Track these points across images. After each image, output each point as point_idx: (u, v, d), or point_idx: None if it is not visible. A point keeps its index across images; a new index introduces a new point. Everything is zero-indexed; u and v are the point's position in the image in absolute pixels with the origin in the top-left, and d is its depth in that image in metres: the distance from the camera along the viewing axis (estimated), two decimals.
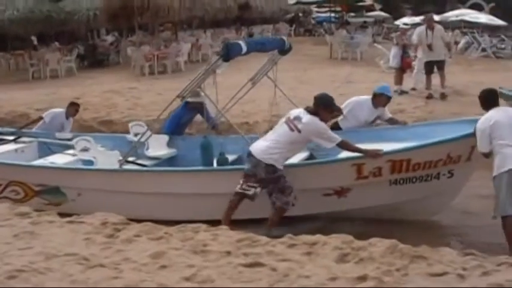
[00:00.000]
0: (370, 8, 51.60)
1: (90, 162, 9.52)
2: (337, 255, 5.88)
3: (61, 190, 9.09)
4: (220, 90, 8.75)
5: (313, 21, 54.10)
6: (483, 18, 33.70)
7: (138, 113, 15.68)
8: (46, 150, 10.89)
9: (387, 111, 10.17)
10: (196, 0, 29.67)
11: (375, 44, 29.94)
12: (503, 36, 30.78)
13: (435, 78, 16.06)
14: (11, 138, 11.40)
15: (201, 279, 5.43)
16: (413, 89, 16.96)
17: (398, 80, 17.02)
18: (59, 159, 10.06)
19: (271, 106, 9.91)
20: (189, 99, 9.36)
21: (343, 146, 7.91)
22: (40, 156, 10.68)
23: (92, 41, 35.20)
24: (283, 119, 8.06)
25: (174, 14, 27.47)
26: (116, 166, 9.05)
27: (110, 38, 36.04)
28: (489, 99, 7.70)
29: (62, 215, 7.75)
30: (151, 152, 10.16)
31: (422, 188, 8.14)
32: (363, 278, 5.28)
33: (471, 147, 7.71)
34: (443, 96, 15.65)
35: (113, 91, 19.50)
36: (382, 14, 53.44)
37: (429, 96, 15.76)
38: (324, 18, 50.32)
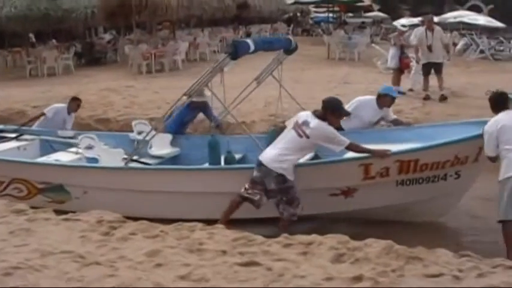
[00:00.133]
0: (368, 9, 51.60)
1: (95, 160, 9.47)
2: (333, 256, 5.88)
3: (65, 188, 9.05)
4: (225, 89, 8.67)
5: (311, 21, 54.17)
6: (482, 20, 33.68)
7: (135, 111, 15.67)
8: (48, 148, 10.91)
9: (391, 112, 10.14)
10: None
11: (373, 45, 29.95)
12: (501, 38, 30.82)
13: (432, 80, 16.07)
14: (13, 135, 11.40)
15: (196, 278, 5.42)
16: (411, 90, 16.98)
17: (396, 81, 17.02)
18: (62, 157, 10.04)
19: (277, 105, 9.86)
20: (193, 99, 9.31)
21: (352, 148, 7.83)
22: (42, 154, 10.67)
23: (90, 39, 35.22)
24: (291, 124, 7.95)
25: (172, 12, 27.39)
26: (121, 164, 9.03)
27: (107, 36, 36.06)
28: (499, 101, 7.65)
29: (58, 212, 7.74)
30: (154, 151, 10.14)
31: (429, 189, 8.12)
32: (358, 279, 5.28)
33: (479, 148, 7.69)
34: (443, 99, 15.61)
35: (110, 89, 19.47)
36: (380, 14, 53.49)
37: (426, 98, 15.76)
38: (322, 19, 50.35)
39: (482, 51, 28.19)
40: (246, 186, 7.85)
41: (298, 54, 10.15)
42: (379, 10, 54.15)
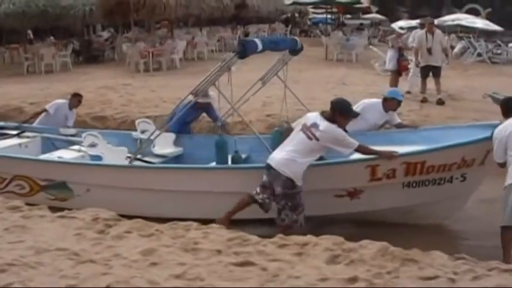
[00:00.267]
0: (367, 11, 51.57)
1: (99, 158, 9.41)
2: (328, 257, 5.87)
3: (68, 185, 9.00)
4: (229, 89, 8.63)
5: (309, 22, 54.19)
6: (479, 23, 33.66)
7: (132, 109, 15.69)
8: (50, 145, 10.88)
9: (397, 116, 10.10)
10: None
11: (371, 47, 29.96)
12: (499, 42, 30.86)
13: (430, 82, 16.08)
14: (14, 132, 11.39)
15: (191, 277, 5.42)
16: (408, 92, 16.96)
17: (394, 83, 17.03)
18: (65, 154, 10.00)
19: (282, 106, 9.83)
20: (199, 100, 9.27)
21: (361, 150, 7.76)
22: (43, 152, 10.64)
23: (88, 37, 35.14)
24: (299, 126, 7.85)
25: (170, 11, 27.38)
26: (125, 162, 8.99)
27: (105, 34, 36.04)
28: (509, 106, 7.63)
29: (53, 210, 7.74)
30: (157, 150, 10.08)
31: (435, 192, 8.09)
32: (353, 280, 5.29)
33: (486, 151, 7.69)
34: (440, 102, 15.60)
35: (107, 87, 19.47)
36: (378, 16, 53.44)
37: (424, 100, 15.76)
38: (320, 20, 50.30)
39: (479, 55, 28.24)
40: (258, 190, 7.74)
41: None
42: (377, 12, 54.10)
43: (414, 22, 29.79)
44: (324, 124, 7.59)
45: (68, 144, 10.73)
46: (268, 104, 14.22)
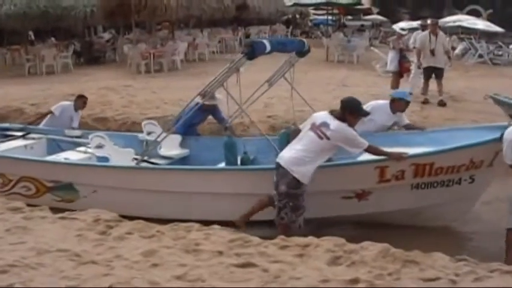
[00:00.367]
0: (368, 12, 51.66)
1: (106, 159, 9.40)
2: (329, 258, 5.87)
3: (74, 187, 9.00)
4: (236, 90, 8.61)
5: (310, 24, 54.20)
6: (480, 24, 33.67)
7: (133, 110, 15.69)
8: (55, 147, 10.90)
9: (405, 117, 10.08)
10: (193, 0, 29.65)
11: (372, 48, 29.98)
12: (500, 43, 30.87)
13: (431, 84, 16.07)
14: (20, 134, 11.40)
15: (192, 278, 5.42)
16: (410, 93, 16.95)
17: (395, 84, 17.07)
18: (71, 156, 9.99)
19: (291, 107, 9.81)
20: (205, 102, 9.22)
21: (371, 150, 7.71)
22: (49, 153, 10.64)
23: (89, 38, 35.14)
24: (307, 126, 7.80)
25: (171, 12, 27.38)
26: (132, 164, 8.99)
27: (106, 35, 36.05)
28: None
29: (54, 211, 7.74)
30: (164, 152, 10.06)
31: (443, 193, 8.08)
32: (354, 281, 5.28)
33: (494, 153, 7.68)
34: (442, 104, 15.59)
35: (108, 88, 19.46)
36: (379, 17, 53.50)
37: (425, 102, 15.75)
38: (321, 21, 50.33)
39: (480, 56, 28.25)
40: (275, 192, 7.73)
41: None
42: (378, 13, 54.18)
43: (415, 23, 29.80)
44: (334, 123, 7.54)
45: (73, 145, 10.74)
46: (270, 105, 14.23)
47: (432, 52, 15.63)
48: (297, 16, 52.00)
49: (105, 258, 5.90)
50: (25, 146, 10.77)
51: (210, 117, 10.93)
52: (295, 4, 41.08)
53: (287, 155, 7.66)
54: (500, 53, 29.86)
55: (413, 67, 17.12)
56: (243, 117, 9.92)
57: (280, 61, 9.87)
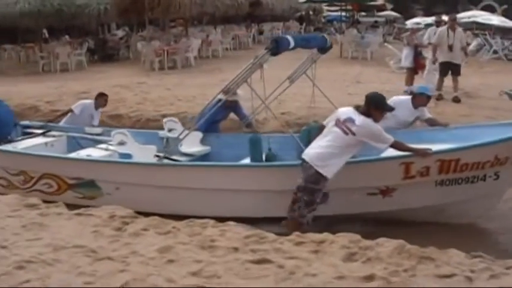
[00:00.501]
0: (381, 8, 51.52)
1: (129, 156, 9.41)
2: (345, 254, 5.86)
3: (96, 184, 8.98)
4: (258, 86, 8.61)
5: (323, 20, 54.14)
6: (495, 20, 33.54)
7: (147, 107, 15.76)
8: (75, 144, 10.91)
9: (426, 111, 10.09)
10: None
11: (386, 44, 29.92)
12: None
13: (446, 80, 15.99)
14: (40, 131, 11.44)
15: (208, 274, 5.43)
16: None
17: (409, 80, 17.00)
18: (93, 153, 9.98)
19: (310, 103, 9.78)
20: (227, 98, 9.21)
21: (396, 146, 7.65)
22: (69, 151, 10.65)
23: (102, 35, 35.30)
24: (332, 122, 7.73)
25: (184, 9, 27.45)
26: (154, 160, 8.98)
27: (120, 33, 36.14)
28: None
29: (70, 207, 7.77)
30: (185, 149, 9.99)
31: (468, 190, 8.02)
32: (370, 278, 5.27)
33: None
34: (456, 100, 15.51)
35: (122, 85, 19.52)
36: (393, 14, 53.42)
37: (439, 98, 15.66)
38: (335, 17, 50.37)
39: (495, 52, 28.07)
40: None
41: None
42: (392, 9, 54.06)
43: (429, 19, 29.69)
44: (360, 119, 7.48)
45: (93, 143, 10.75)
46: (283, 102, 14.20)
47: (450, 48, 15.55)
48: (311, 13, 51.96)
49: (120, 254, 5.92)
50: (45, 143, 10.78)
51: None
52: (308, 1, 41.13)
53: (312, 151, 7.62)
54: None
55: (427, 63, 17.03)
56: (259, 113, 9.89)
57: (294, 57, 9.85)
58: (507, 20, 33.72)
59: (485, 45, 28.86)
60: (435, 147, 7.97)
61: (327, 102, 9.64)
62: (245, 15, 40.14)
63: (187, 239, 6.37)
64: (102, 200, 8.71)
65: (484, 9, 46.50)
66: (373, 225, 7.87)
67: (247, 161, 8.96)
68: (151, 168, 8.88)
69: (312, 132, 8.42)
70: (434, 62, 16.21)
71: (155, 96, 17.26)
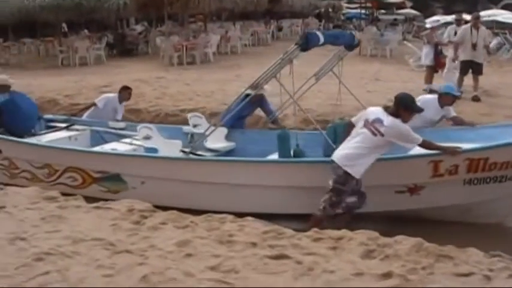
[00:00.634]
0: (401, 6, 51.44)
1: (154, 150, 9.41)
2: (363, 251, 5.85)
3: (122, 178, 9.00)
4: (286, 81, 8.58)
5: (342, 17, 54.06)
6: None
7: (166, 102, 15.78)
8: (99, 138, 10.96)
9: (452, 110, 10.11)
10: None
11: (405, 42, 29.78)
12: None
13: (466, 78, 15.89)
14: (63, 125, 11.51)
15: (226, 269, 5.45)
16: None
17: (429, 79, 16.92)
18: (117, 147, 10.02)
19: (337, 100, 9.77)
20: (252, 92, 9.12)
21: (425, 145, 7.62)
22: (93, 144, 10.70)
23: (121, 30, 35.40)
24: (360, 122, 7.68)
25: (204, 5, 27.53)
26: (181, 155, 8.97)
27: (139, 28, 36.30)
28: None
29: (88, 200, 7.81)
30: (209, 144, 9.98)
31: (496, 189, 7.97)
32: (388, 275, 5.26)
33: None
34: (476, 99, 15.39)
35: (141, 80, 19.53)
36: (413, 11, 53.19)
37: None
38: (354, 15, 50.31)
39: None
40: None
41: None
42: (411, 7, 53.85)
43: (449, 18, 29.52)
44: (388, 119, 7.45)
45: (117, 137, 10.81)
46: (304, 99, 14.18)
47: (474, 46, 15.44)
48: (330, 10, 51.87)
49: (139, 247, 5.95)
50: (69, 137, 10.84)
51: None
52: None
53: (341, 152, 7.60)
54: None
55: (447, 62, 16.93)
56: (286, 108, 9.84)
57: (319, 53, 9.79)
58: None
59: (505, 44, 28.65)
60: (463, 146, 7.93)
61: (352, 99, 9.63)
62: (264, 12, 40.17)
63: (206, 234, 6.39)
64: (127, 193, 8.72)
65: (504, 8, 46.21)
66: (392, 223, 7.84)
67: (273, 157, 8.94)
68: (179, 162, 8.87)
69: (337, 129, 8.42)
70: (454, 60, 16.09)
71: (174, 91, 17.28)
